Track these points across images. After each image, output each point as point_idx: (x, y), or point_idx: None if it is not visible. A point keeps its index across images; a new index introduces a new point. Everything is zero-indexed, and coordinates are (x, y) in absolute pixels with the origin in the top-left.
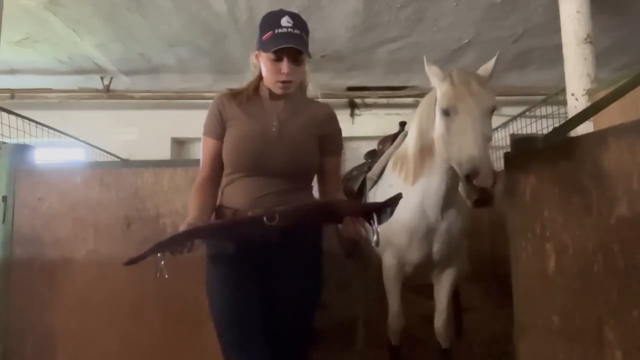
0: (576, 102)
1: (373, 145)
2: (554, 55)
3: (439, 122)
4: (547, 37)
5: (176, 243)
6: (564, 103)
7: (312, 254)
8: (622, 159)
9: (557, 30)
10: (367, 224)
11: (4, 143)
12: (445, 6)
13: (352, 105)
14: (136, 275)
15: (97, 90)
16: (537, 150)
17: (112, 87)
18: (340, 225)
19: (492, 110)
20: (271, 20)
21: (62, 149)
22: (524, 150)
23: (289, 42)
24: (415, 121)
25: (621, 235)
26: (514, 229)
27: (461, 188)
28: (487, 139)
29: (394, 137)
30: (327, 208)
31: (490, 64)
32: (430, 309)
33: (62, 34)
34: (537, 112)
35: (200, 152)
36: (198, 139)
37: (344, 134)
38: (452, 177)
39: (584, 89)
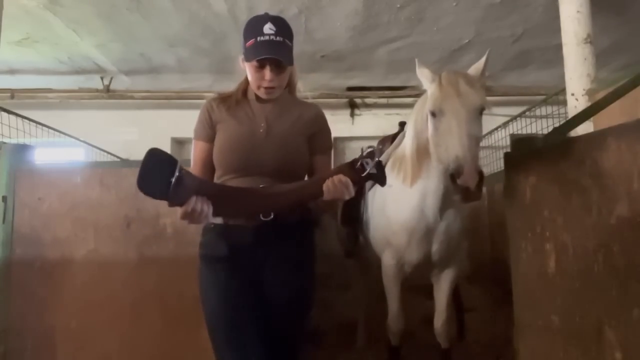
0: (576, 102)
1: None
2: (554, 55)
3: (428, 123)
4: (547, 37)
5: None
6: (564, 103)
7: (303, 253)
8: (622, 159)
9: (557, 30)
10: (348, 180)
11: (4, 143)
12: (445, 6)
13: (352, 105)
14: (136, 275)
15: (97, 90)
16: (537, 150)
17: (112, 87)
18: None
19: (481, 110)
20: (254, 26)
21: (62, 149)
22: (524, 150)
23: (270, 52)
24: (411, 122)
25: (621, 235)
26: (514, 229)
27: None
28: (475, 139)
29: (394, 137)
30: (307, 186)
31: (481, 63)
32: (430, 309)
33: (62, 34)
34: (537, 112)
35: (191, 155)
36: None
37: (344, 134)
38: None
39: (584, 89)
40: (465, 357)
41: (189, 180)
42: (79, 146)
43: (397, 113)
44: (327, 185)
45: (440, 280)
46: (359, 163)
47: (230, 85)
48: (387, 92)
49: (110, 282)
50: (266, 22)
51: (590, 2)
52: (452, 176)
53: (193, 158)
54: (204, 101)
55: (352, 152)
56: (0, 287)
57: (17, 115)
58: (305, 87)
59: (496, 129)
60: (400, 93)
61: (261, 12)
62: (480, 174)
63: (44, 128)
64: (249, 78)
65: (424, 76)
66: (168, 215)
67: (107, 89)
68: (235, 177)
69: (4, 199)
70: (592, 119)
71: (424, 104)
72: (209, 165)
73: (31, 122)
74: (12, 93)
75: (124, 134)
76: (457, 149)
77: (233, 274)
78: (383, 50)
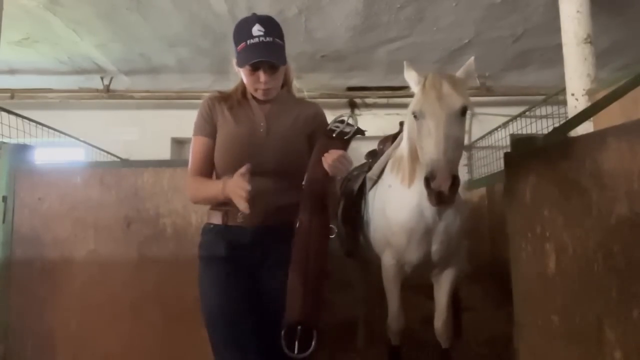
0: (576, 102)
1: (373, 145)
2: (554, 55)
3: (414, 125)
4: (547, 37)
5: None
6: (564, 103)
7: None
8: (622, 159)
9: (557, 30)
10: (338, 151)
11: (4, 143)
12: (445, 6)
13: (352, 105)
14: (136, 275)
15: (97, 90)
16: (537, 150)
17: (112, 87)
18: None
19: (462, 111)
20: (243, 29)
21: (62, 149)
22: (524, 150)
23: (261, 54)
24: (406, 124)
25: (621, 235)
26: (514, 229)
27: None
28: (454, 140)
29: (394, 137)
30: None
31: (471, 64)
32: (430, 309)
33: (62, 34)
34: (537, 112)
35: (190, 152)
36: None
37: None
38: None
39: (584, 89)
40: (465, 357)
41: None
42: (79, 146)
43: (397, 113)
44: (327, 163)
45: (441, 280)
46: (334, 133)
47: (230, 86)
48: (387, 92)
49: (110, 282)
50: (254, 24)
51: (590, 2)
52: (427, 179)
53: (192, 153)
54: None
55: (352, 152)
56: (0, 287)
57: (17, 115)
58: (305, 87)
59: (496, 129)
60: (400, 93)
61: (261, 12)
62: (454, 178)
63: (44, 128)
64: (245, 81)
65: (411, 78)
66: (168, 215)
67: (107, 89)
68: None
69: (4, 199)
70: (592, 119)
71: None
72: (209, 161)
73: (31, 122)
74: (12, 93)
75: (124, 134)
76: (433, 151)
77: (231, 274)
78: (383, 50)
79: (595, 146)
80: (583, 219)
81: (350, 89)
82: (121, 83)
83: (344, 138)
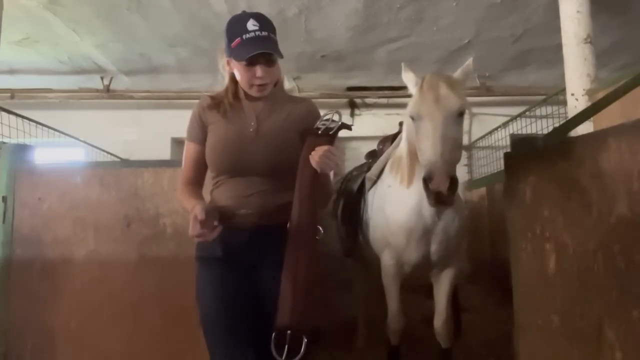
0: (576, 102)
1: (373, 146)
2: (554, 55)
3: (412, 127)
4: (547, 37)
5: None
6: (564, 103)
7: None
8: (622, 159)
9: (557, 30)
10: (325, 147)
11: (4, 143)
12: (445, 6)
13: (352, 105)
14: (136, 275)
15: (97, 90)
16: (537, 150)
17: (112, 87)
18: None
19: (459, 113)
20: (237, 25)
21: (62, 149)
22: (524, 150)
23: (259, 47)
24: (404, 125)
25: (621, 235)
26: (514, 229)
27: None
28: (452, 142)
29: (394, 137)
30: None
31: (469, 65)
32: (429, 309)
33: (62, 34)
34: (537, 112)
35: (183, 157)
36: None
37: (344, 134)
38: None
39: (584, 89)
40: (465, 357)
41: None
42: (79, 146)
43: (397, 113)
44: (315, 161)
45: (440, 280)
46: (319, 130)
47: None
48: (387, 92)
49: (110, 282)
50: (248, 19)
51: (590, 2)
52: (425, 180)
53: (184, 159)
54: None
55: (353, 152)
56: (0, 287)
57: (17, 115)
58: (305, 87)
59: (496, 129)
60: (400, 93)
61: (261, 12)
62: (452, 179)
63: (44, 128)
64: (239, 78)
65: (409, 80)
66: (168, 215)
67: (107, 89)
68: (228, 177)
69: (4, 199)
70: (592, 119)
71: None
72: (198, 166)
73: (31, 122)
74: (12, 93)
75: (124, 134)
76: (430, 153)
77: (228, 275)
78: (383, 50)
79: (595, 146)
80: (583, 219)
81: (350, 89)
82: (121, 83)
83: (329, 133)
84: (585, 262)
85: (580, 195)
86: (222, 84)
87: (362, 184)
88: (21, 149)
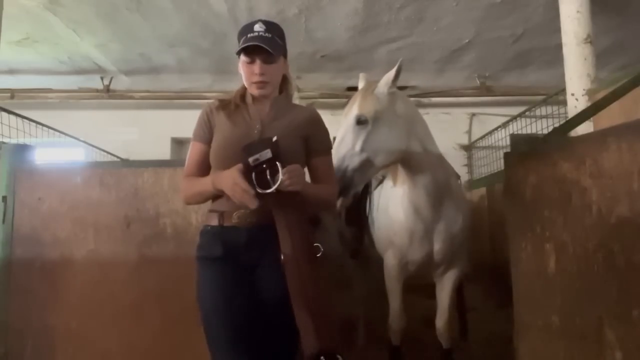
0: (576, 102)
1: None
2: (554, 55)
3: None
4: (547, 37)
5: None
6: (564, 103)
7: None
8: (622, 159)
9: (557, 30)
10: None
11: (4, 143)
12: (445, 6)
13: None
14: (136, 275)
15: (97, 90)
16: (537, 150)
17: (112, 87)
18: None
19: (356, 120)
20: (246, 27)
21: (62, 149)
22: (524, 150)
23: (256, 42)
24: None
25: (621, 235)
26: (514, 229)
27: None
28: (348, 147)
29: None
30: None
31: (392, 72)
32: (431, 309)
33: (62, 34)
34: (537, 112)
35: (187, 156)
36: None
37: None
38: (433, 178)
39: (584, 89)
40: (465, 357)
41: None
42: (79, 146)
43: None
44: (284, 185)
45: (443, 280)
46: (254, 166)
47: (230, 86)
48: None
49: (110, 282)
50: (257, 23)
51: (590, 2)
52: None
53: (188, 158)
54: (204, 101)
55: None
56: (0, 287)
57: (17, 115)
58: (305, 87)
59: (496, 129)
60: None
61: (261, 12)
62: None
63: (44, 128)
64: (243, 77)
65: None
66: (168, 215)
67: (107, 89)
68: None
69: (4, 199)
70: (592, 119)
71: None
72: (202, 166)
73: (31, 122)
74: (12, 93)
75: (124, 134)
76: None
77: (228, 274)
78: (383, 50)
79: (595, 146)
80: (583, 219)
81: (350, 89)
82: (121, 83)
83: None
84: (585, 262)
85: (580, 195)
86: (222, 84)
87: (367, 184)
88: (21, 149)
